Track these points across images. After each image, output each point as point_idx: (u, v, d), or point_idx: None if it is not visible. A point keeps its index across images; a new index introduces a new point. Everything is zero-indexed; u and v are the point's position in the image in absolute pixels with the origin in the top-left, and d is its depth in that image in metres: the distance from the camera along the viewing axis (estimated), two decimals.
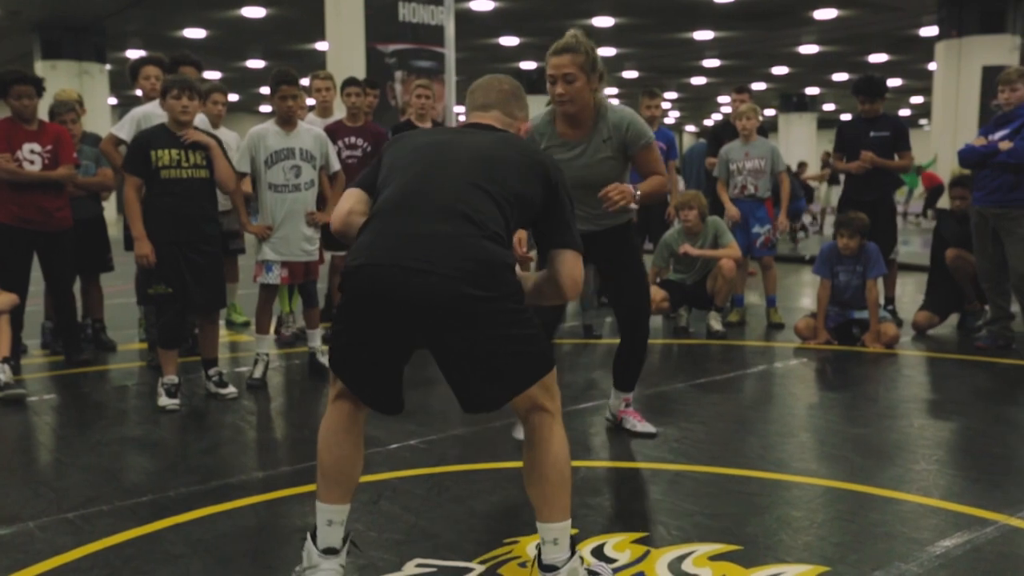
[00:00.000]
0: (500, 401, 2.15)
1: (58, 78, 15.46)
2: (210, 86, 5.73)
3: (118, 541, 2.64)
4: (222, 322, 6.56)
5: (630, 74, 24.18)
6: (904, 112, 32.32)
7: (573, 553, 2.19)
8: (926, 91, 23.74)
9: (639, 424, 3.69)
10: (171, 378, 4.27)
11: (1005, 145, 5.16)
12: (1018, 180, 5.14)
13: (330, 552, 2.22)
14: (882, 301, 6.07)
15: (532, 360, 2.13)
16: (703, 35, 18.48)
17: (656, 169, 3.32)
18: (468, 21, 15.17)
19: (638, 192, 3.16)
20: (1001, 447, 3.54)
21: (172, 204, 4.21)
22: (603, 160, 3.28)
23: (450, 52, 10.07)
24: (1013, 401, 4.43)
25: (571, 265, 2.28)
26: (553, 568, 2.16)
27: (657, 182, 3.30)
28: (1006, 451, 3.49)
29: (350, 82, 5.93)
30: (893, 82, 24.56)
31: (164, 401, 4.22)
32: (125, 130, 4.95)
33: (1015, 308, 5.57)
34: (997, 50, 14.07)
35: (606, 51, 20.42)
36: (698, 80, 25.51)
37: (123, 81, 7.02)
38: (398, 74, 9.71)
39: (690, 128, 38.50)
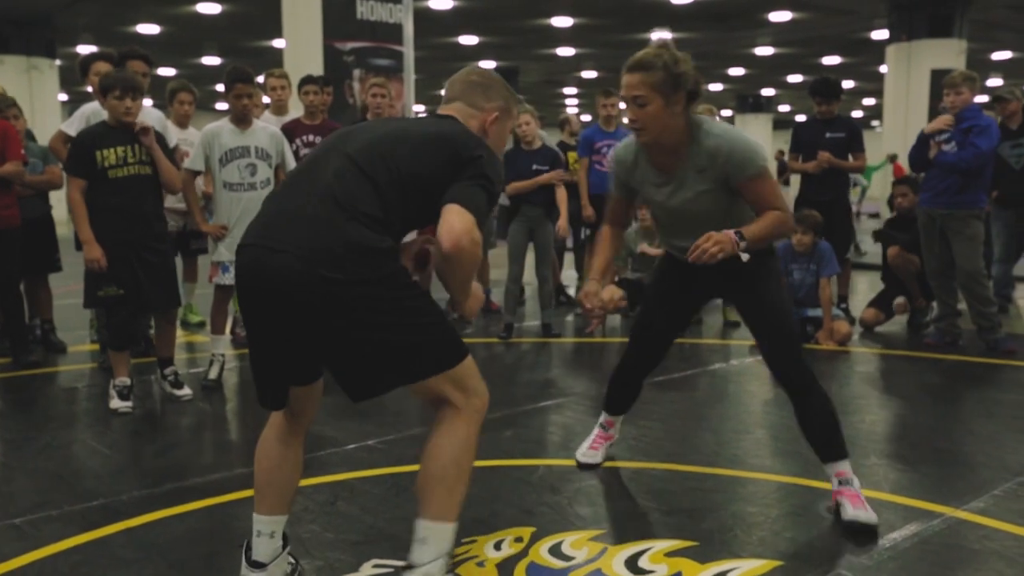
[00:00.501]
0: (378, 389, 2.09)
1: (6, 73, 15.07)
2: (175, 85, 5.62)
3: (66, 547, 2.59)
4: (178, 322, 6.46)
5: (589, 74, 24.31)
6: (856, 113, 32.93)
7: (439, 560, 2.07)
8: (878, 93, 24.22)
9: (853, 510, 2.68)
10: (123, 380, 4.19)
11: (933, 127, 5.28)
12: (965, 183, 5.26)
13: (257, 566, 2.17)
14: (836, 300, 6.18)
15: (420, 351, 2.05)
16: (661, 36, 18.62)
17: (769, 203, 2.62)
18: (427, 19, 15.12)
19: (742, 239, 2.53)
20: (948, 442, 3.62)
21: (121, 203, 4.10)
22: (701, 194, 2.70)
23: (409, 50, 10.04)
24: (959, 397, 4.54)
25: (451, 217, 1.98)
26: (410, 567, 2.08)
27: (772, 220, 2.61)
28: (952, 446, 3.57)
29: (308, 80, 5.88)
30: (846, 84, 25.01)
31: (116, 403, 4.14)
32: (75, 127, 4.84)
33: (962, 306, 5.71)
34: (945, 54, 14.42)
35: (565, 51, 20.52)
36: None
37: (74, 77, 6.87)
38: (356, 72, 9.64)
39: None
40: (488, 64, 21.63)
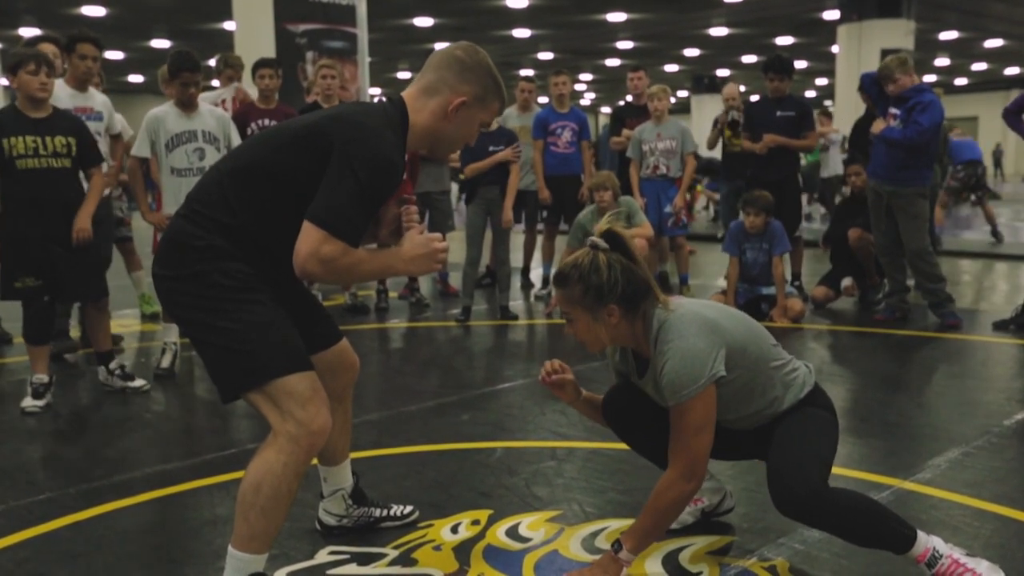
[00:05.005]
0: (222, 392, 2.03)
1: None
2: (77, 35, 5.25)
3: (11, 543, 2.53)
4: (132, 311, 6.34)
5: (545, 55, 24.26)
6: (810, 93, 33.33)
7: None
8: (830, 73, 24.50)
9: None
10: (40, 377, 3.99)
11: (877, 129, 5.39)
12: (908, 159, 5.35)
13: (321, 497, 2.51)
14: (789, 277, 6.26)
15: (231, 357, 1.97)
16: (616, 17, 18.65)
17: (677, 437, 2.14)
18: (381, 1, 14.94)
19: (619, 549, 2.17)
20: (896, 415, 3.70)
21: (34, 195, 3.87)
22: None
23: (363, 33, 9.90)
24: (908, 371, 4.64)
25: (299, 238, 1.92)
26: None
27: (653, 505, 2.16)
28: (901, 419, 3.65)
29: (263, 63, 5.79)
30: (799, 64, 25.26)
31: (27, 403, 3.92)
32: None
33: (911, 281, 5.82)
34: (894, 34, 14.66)
35: (520, 32, 20.42)
36: (612, 62, 25.76)
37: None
38: (309, 55, 9.49)
39: (605, 109, 38.91)
40: (443, 46, 21.45)
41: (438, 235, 2.11)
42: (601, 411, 2.52)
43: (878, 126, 5.45)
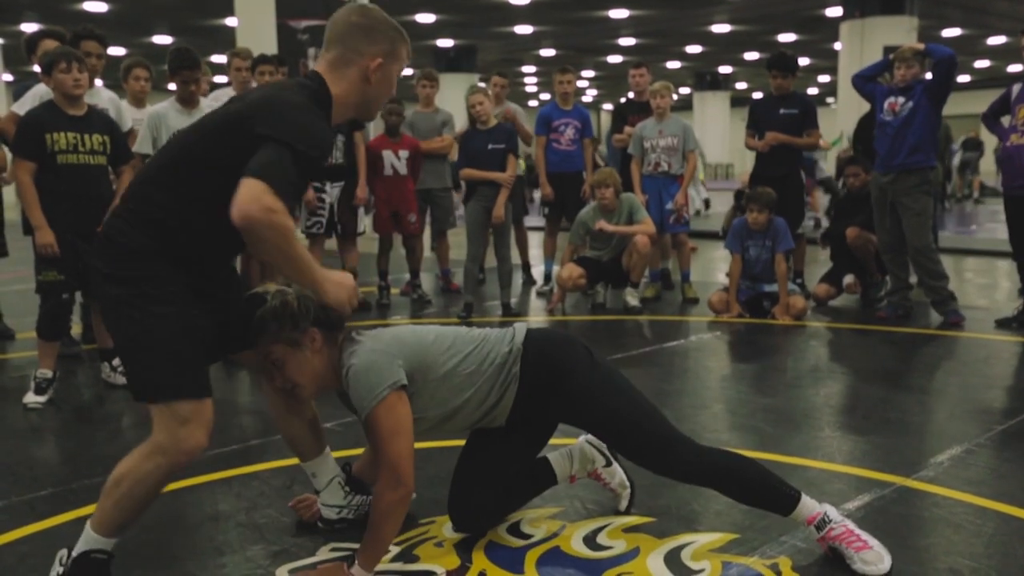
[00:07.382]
0: (132, 395, 2.08)
1: None
2: (130, 61, 5.46)
3: (13, 538, 2.53)
4: None
5: (547, 52, 24.22)
6: (812, 90, 33.26)
7: (76, 555, 2.10)
8: (832, 70, 24.46)
9: (860, 560, 2.21)
10: (44, 372, 4.00)
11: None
12: (916, 143, 5.34)
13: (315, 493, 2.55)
14: (791, 275, 6.25)
15: (135, 368, 2.03)
16: (618, 13, 18.62)
17: (380, 448, 2.18)
18: None
19: (352, 564, 2.16)
20: (899, 412, 3.69)
21: (69, 189, 3.96)
22: None
23: None
24: (911, 368, 4.64)
25: (238, 190, 1.87)
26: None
27: (379, 517, 2.16)
28: (903, 416, 3.64)
29: (263, 60, 5.78)
30: (802, 61, 25.22)
31: (29, 398, 3.93)
32: (27, 107, 4.68)
33: (913, 279, 5.81)
34: (897, 31, 14.63)
35: (523, 29, 20.39)
36: (614, 58, 25.72)
37: (17, 56, 6.65)
38: (311, 51, 9.50)
39: (607, 106, 38.88)
40: (446, 43, 21.44)
41: (352, 280, 2.15)
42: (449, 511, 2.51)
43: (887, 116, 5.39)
